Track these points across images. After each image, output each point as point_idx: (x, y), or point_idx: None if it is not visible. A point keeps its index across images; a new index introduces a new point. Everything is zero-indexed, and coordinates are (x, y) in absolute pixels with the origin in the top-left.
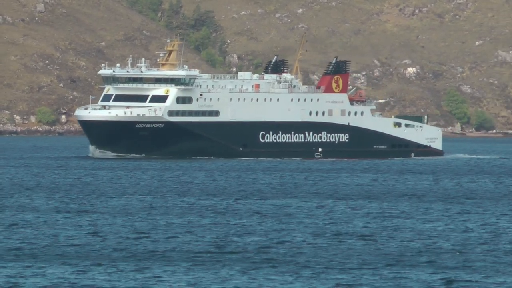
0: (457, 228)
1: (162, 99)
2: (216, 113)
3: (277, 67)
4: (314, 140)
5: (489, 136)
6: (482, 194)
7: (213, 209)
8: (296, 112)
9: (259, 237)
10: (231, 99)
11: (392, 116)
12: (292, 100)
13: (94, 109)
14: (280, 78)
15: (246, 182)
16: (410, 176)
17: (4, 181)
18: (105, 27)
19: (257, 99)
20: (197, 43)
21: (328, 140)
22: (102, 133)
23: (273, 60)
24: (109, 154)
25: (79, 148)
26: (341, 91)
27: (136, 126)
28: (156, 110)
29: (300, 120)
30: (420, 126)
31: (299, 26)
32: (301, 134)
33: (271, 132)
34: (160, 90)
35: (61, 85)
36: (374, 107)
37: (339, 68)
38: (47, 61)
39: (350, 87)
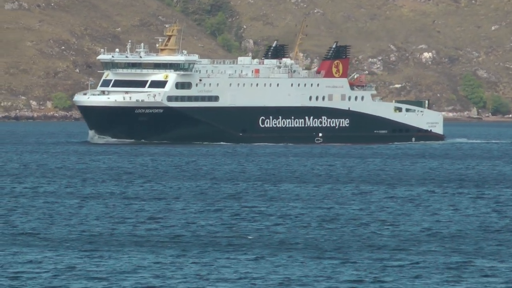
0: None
1: (161, 84)
2: (216, 98)
3: (277, 52)
4: (314, 125)
5: (506, 121)
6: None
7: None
8: (296, 97)
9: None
10: (230, 84)
11: (393, 101)
12: (292, 85)
13: (93, 94)
14: (280, 63)
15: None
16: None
17: None
18: (121, 13)
19: (257, 84)
20: (213, 29)
21: (328, 125)
22: (101, 118)
23: (273, 45)
24: (110, 139)
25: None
26: (341, 76)
27: (135, 112)
28: (155, 95)
29: (300, 105)
30: (421, 111)
31: (315, 11)
32: (301, 119)
33: (271, 117)
34: (159, 75)
35: (77, 70)
36: (374, 92)
37: (339, 53)
38: (63, 47)
39: (354, 74)
